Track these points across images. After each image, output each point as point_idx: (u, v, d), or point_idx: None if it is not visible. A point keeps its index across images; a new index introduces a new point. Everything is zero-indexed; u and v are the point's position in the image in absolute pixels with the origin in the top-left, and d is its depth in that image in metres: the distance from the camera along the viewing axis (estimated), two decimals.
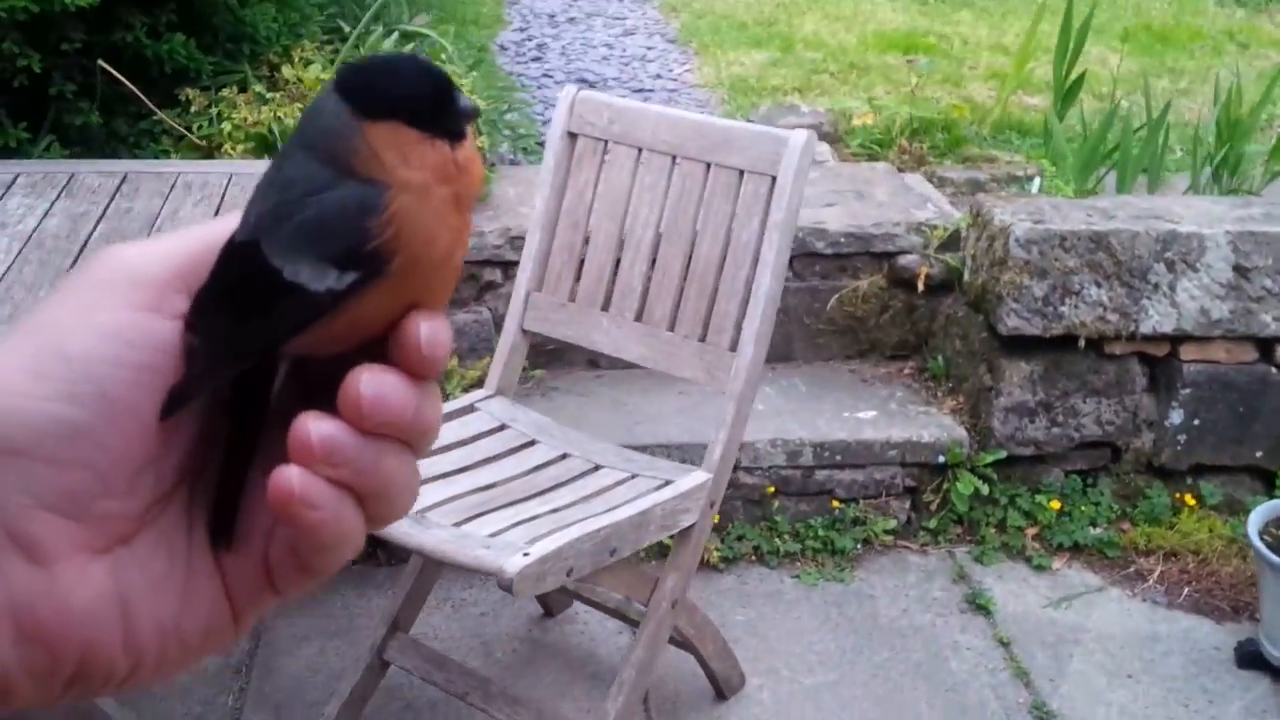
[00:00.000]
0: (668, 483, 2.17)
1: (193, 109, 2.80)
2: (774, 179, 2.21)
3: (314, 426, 0.43)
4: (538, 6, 5.42)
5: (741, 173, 2.26)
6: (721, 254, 2.26)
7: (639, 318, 2.34)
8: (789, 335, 3.19)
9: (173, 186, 2.32)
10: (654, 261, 2.34)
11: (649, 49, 4.94)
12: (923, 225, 3.15)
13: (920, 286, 3.12)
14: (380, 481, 0.44)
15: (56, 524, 0.42)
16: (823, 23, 5.11)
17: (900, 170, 3.83)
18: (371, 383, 0.43)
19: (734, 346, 2.21)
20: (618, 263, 2.37)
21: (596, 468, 2.25)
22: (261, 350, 0.45)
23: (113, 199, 2.25)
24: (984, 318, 2.92)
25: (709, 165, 2.30)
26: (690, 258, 2.30)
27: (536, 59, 4.80)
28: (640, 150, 2.37)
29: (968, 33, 5.05)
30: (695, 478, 2.17)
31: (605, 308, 2.37)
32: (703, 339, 2.26)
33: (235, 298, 0.44)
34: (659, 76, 4.67)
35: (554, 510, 2.09)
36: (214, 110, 2.82)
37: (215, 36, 2.88)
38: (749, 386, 2.19)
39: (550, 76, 4.63)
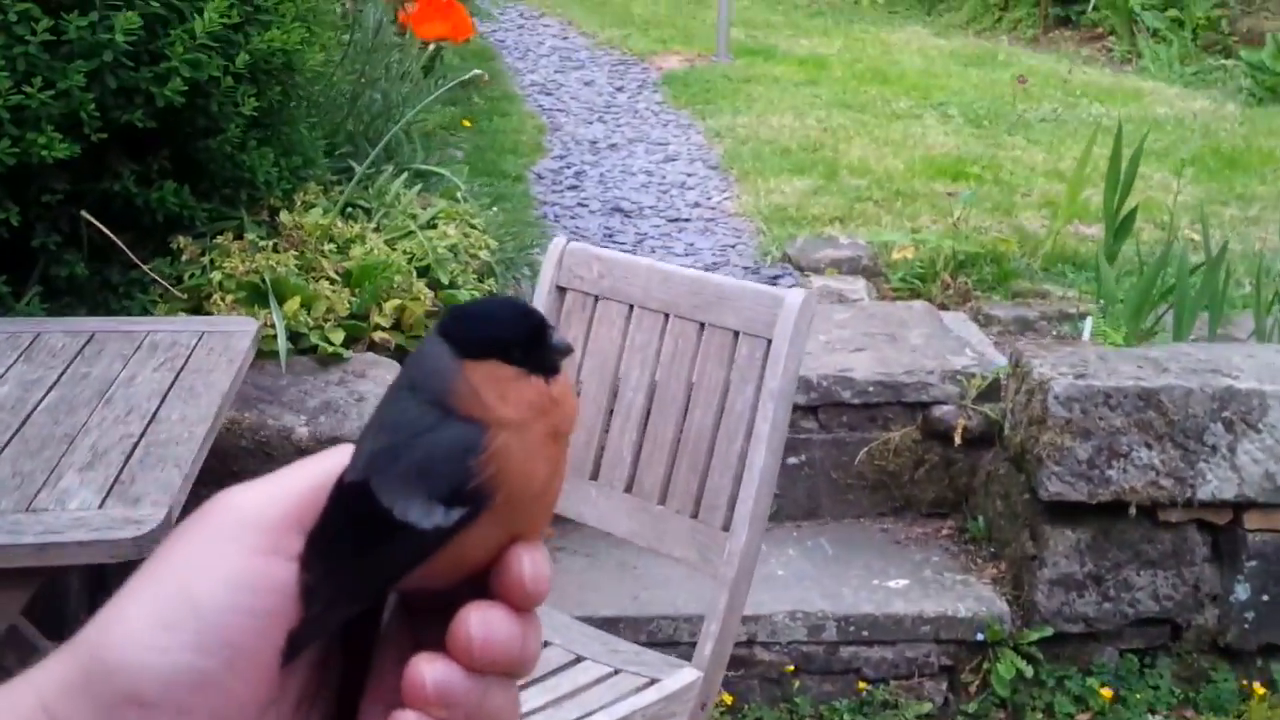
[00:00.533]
0: (653, 682, 1.95)
1: (184, 258, 2.69)
2: (770, 342, 2.02)
3: (428, 670, 0.45)
4: (580, 133, 5.33)
5: (736, 334, 2.08)
6: (715, 423, 2.07)
7: (629, 488, 2.14)
8: (815, 490, 2.97)
9: (138, 347, 2.19)
10: (645, 427, 2.15)
11: (689, 176, 4.80)
12: (959, 374, 2.93)
13: (957, 440, 2.89)
14: (487, 716, 0.46)
15: None
16: (870, 148, 4.95)
17: (943, 307, 3.62)
18: (481, 625, 0.45)
19: (728, 526, 2.01)
20: (607, 427, 2.19)
21: (578, 659, 2.03)
22: (376, 592, 0.47)
23: (71, 363, 2.12)
24: (1025, 478, 2.67)
25: (702, 325, 2.12)
26: (682, 425, 2.11)
27: (573, 187, 4.69)
28: (631, 307, 2.20)
29: (1021, 157, 4.85)
30: (683, 677, 1.94)
31: (594, 476, 2.18)
32: (695, 515, 2.06)
33: (348, 538, 0.46)
34: (697, 205, 4.52)
35: (522, 716, 1.88)
36: (206, 258, 2.71)
37: (212, 182, 2.78)
38: (744, 573, 1.97)
39: (585, 205, 4.51)
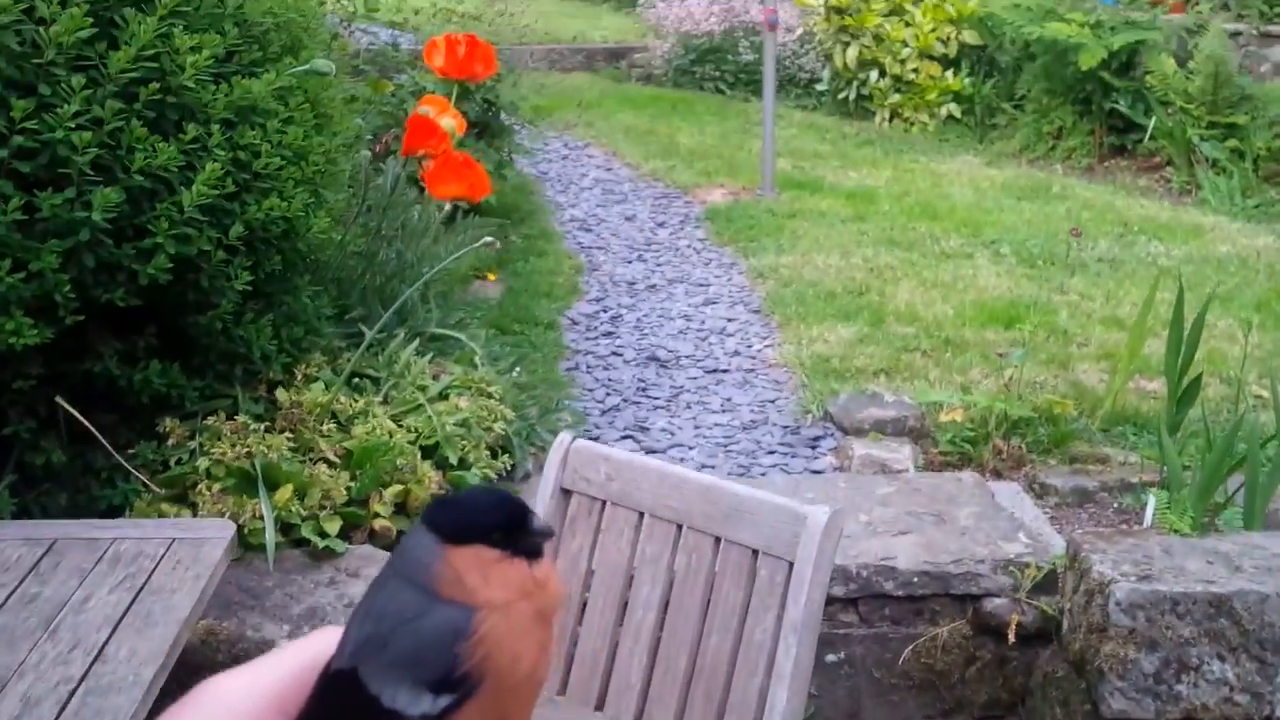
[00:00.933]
0: None
1: (170, 441, 2.53)
2: (791, 565, 1.80)
3: None
4: (619, 273, 5.18)
5: (756, 553, 1.86)
6: (732, 653, 1.84)
7: None
8: (856, 690, 2.71)
9: (100, 559, 2.01)
10: (656, 653, 1.93)
11: (729, 321, 4.62)
12: (1012, 563, 2.67)
13: (1011, 637, 2.63)
14: None
15: None
16: (918, 291, 4.74)
17: (996, 472, 3.38)
18: None
19: None
20: (614, 650, 1.97)
21: None
22: None
23: (24, 579, 1.94)
24: (1086, 686, 2.40)
25: (718, 540, 1.91)
26: (697, 653, 1.88)
27: (609, 334, 4.51)
28: (641, 515, 1.99)
29: (1078, 302, 4.62)
30: None
31: (599, 706, 1.96)
32: None
33: None
34: (737, 353, 4.32)
35: None
36: (196, 441, 2.55)
37: (205, 357, 2.63)
38: None
39: (620, 354, 4.33)
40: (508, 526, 0.49)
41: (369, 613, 0.49)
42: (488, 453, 2.80)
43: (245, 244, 2.55)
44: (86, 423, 2.34)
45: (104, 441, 2.35)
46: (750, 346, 4.39)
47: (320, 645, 0.50)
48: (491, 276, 4.37)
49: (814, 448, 3.59)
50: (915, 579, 2.68)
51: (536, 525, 0.50)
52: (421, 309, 3.12)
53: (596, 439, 3.60)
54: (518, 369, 3.42)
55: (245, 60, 2.65)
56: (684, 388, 4.05)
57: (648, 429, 3.72)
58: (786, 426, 3.73)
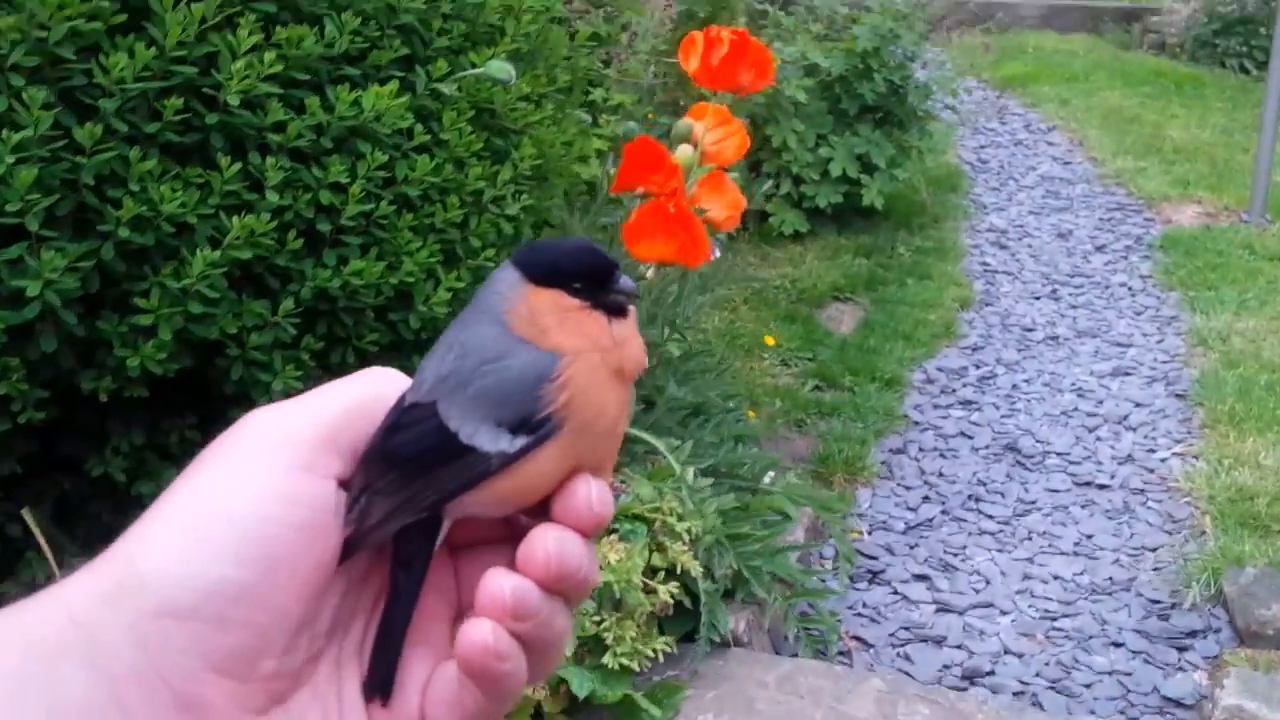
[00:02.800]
0: None
1: None
2: None
3: (507, 582, 0.45)
4: (1016, 313, 4.06)
5: None
6: None
7: None
8: None
9: None
10: None
11: (1137, 406, 3.43)
12: None
13: None
14: (552, 635, 0.46)
15: (224, 686, 0.43)
16: None
17: None
18: (558, 542, 0.45)
19: None
20: None
21: None
22: (434, 505, 0.47)
23: None
24: None
25: None
26: None
27: (967, 403, 3.48)
28: None
29: None
30: None
31: None
32: None
33: (410, 455, 0.47)
34: (1129, 459, 3.16)
35: None
36: None
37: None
38: None
39: (969, 436, 3.31)
40: (590, 277, 0.47)
41: (450, 347, 0.47)
42: (637, 630, 2.02)
43: (321, 314, 1.92)
44: (48, 551, 1.81)
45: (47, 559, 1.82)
46: (1152, 452, 3.22)
47: (369, 384, 0.47)
48: (770, 341, 3.47)
49: (1181, 650, 2.45)
50: None
51: (622, 284, 0.47)
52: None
53: (877, 575, 2.69)
54: (771, 474, 2.58)
55: (382, 60, 2.00)
56: (1035, 504, 3.00)
57: (956, 569, 2.74)
58: (1156, 602, 2.60)
